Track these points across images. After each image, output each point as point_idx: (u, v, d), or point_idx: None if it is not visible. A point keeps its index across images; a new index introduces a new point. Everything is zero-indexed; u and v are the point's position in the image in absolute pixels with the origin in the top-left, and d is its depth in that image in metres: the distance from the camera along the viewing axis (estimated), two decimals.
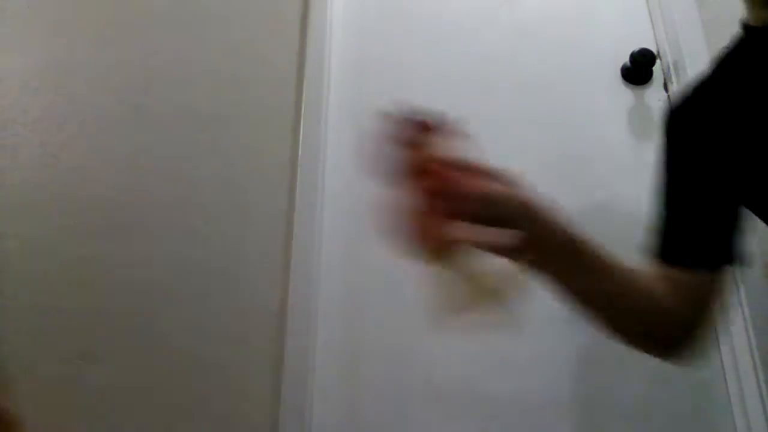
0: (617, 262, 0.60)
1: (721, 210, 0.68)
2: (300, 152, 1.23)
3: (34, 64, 1.28)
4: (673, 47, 1.32)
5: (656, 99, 1.31)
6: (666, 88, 1.32)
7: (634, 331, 0.65)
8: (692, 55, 1.27)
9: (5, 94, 1.24)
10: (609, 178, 1.25)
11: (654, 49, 1.32)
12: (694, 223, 0.67)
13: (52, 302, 1.10)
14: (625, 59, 1.32)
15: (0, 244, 1.12)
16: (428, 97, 1.33)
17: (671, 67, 1.31)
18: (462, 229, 0.47)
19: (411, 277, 1.24)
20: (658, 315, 0.63)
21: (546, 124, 1.30)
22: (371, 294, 1.16)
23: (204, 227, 1.17)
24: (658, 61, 1.32)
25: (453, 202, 0.48)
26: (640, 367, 1.12)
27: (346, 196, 1.25)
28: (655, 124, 1.30)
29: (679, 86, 1.28)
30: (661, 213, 0.71)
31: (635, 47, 1.29)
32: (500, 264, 0.45)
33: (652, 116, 1.30)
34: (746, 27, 0.69)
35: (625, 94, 1.32)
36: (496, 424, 1.08)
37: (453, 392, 1.09)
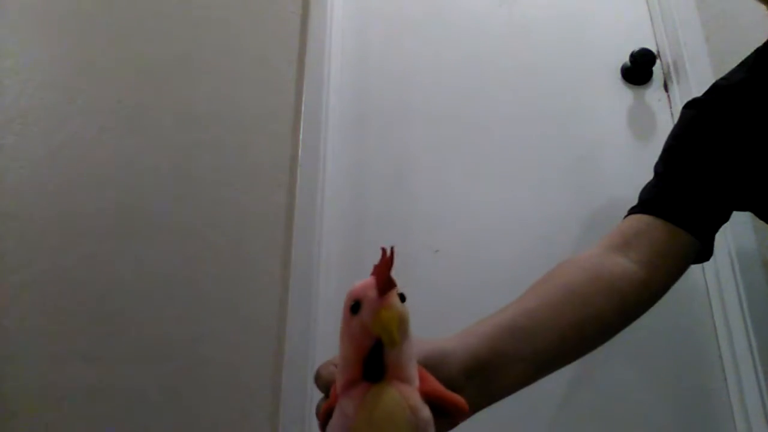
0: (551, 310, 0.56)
1: (724, 203, 0.71)
2: (300, 152, 1.23)
3: (34, 64, 1.28)
4: (673, 47, 1.32)
5: (656, 99, 1.31)
6: (666, 88, 1.32)
7: (625, 321, 0.65)
8: (692, 55, 1.27)
9: (5, 94, 1.24)
10: (609, 178, 1.25)
11: (654, 49, 1.32)
12: (698, 194, 0.69)
13: (52, 302, 1.10)
14: (625, 59, 1.32)
15: (0, 244, 1.12)
16: (427, 97, 1.33)
17: (671, 67, 1.31)
18: None
19: (410, 277, 1.24)
20: (633, 293, 0.63)
21: (546, 123, 1.30)
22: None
23: (204, 227, 1.17)
24: (658, 61, 1.32)
25: None
26: (640, 367, 1.12)
27: (346, 195, 1.25)
28: (655, 124, 1.30)
29: (679, 86, 1.28)
30: (665, 171, 0.74)
31: (635, 47, 1.30)
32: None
33: (652, 116, 1.30)
34: None
35: (625, 94, 1.32)
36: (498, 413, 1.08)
37: None
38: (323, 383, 0.42)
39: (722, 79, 0.77)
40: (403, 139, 1.29)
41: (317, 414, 0.42)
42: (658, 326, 1.14)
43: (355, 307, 0.37)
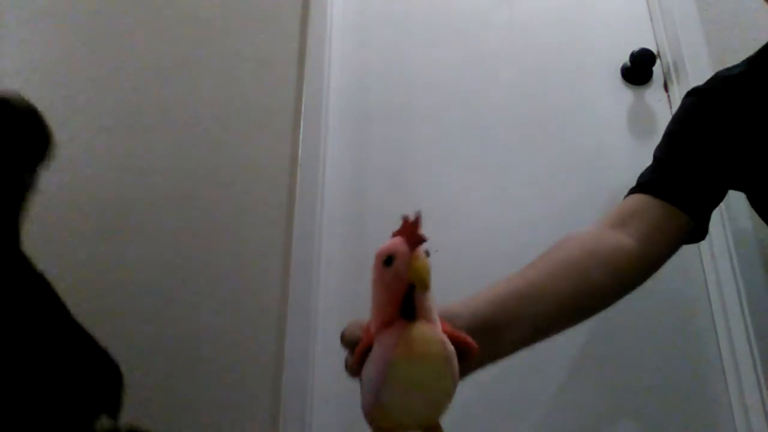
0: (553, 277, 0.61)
1: (719, 185, 0.75)
2: (300, 152, 1.23)
3: (34, 64, 1.28)
4: (673, 47, 1.32)
5: (656, 99, 1.31)
6: (666, 88, 1.32)
7: (620, 293, 0.68)
8: (692, 55, 1.27)
9: None
10: (609, 178, 1.25)
11: (654, 49, 1.32)
12: (694, 175, 0.73)
13: None
14: (625, 59, 1.32)
15: None
16: (427, 97, 1.33)
17: (671, 67, 1.31)
18: None
19: None
20: (628, 266, 0.66)
21: (546, 124, 1.30)
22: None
23: (204, 227, 1.17)
24: (658, 61, 1.32)
25: None
26: (639, 367, 1.12)
27: (346, 195, 1.25)
28: (655, 124, 1.30)
29: (679, 86, 1.28)
30: (663, 154, 0.78)
31: (635, 47, 1.29)
32: None
33: (652, 116, 1.30)
34: None
35: (625, 94, 1.32)
36: (495, 410, 1.08)
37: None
38: (348, 341, 0.48)
39: (724, 69, 0.80)
40: (403, 138, 1.29)
41: (347, 365, 0.48)
42: (658, 326, 1.14)
43: (388, 260, 0.43)
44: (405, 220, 0.43)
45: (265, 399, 1.06)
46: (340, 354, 0.49)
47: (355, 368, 0.46)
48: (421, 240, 0.42)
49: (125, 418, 1.05)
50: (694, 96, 0.79)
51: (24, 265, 0.66)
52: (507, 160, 1.27)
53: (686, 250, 1.17)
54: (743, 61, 0.79)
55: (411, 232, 0.43)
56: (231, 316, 1.11)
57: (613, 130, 1.30)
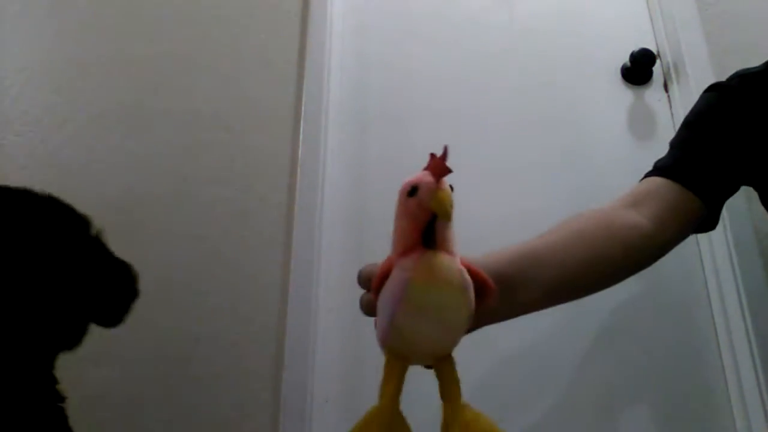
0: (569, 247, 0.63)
1: (734, 176, 0.77)
2: (300, 152, 1.23)
3: (34, 64, 1.28)
4: (673, 47, 1.32)
5: (656, 99, 1.31)
6: (666, 88, 1.32)
7: (630, 271, 0.69)
8: (692, 55, 1.27)
9: (5, 94, 1.24)
10: (609, 178, 1.25)
11: (654, 49, 1.32)
12: (711, 163, 0.74)
13: None
14: (625, 59, 1.32)
15: None
16: (427, 97, 1.33)
17: (671, 67, 1.31)
18: None
19: None
20: (639, 243, 0.67)
21: (546, 124, 1.30)
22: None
23: (204, 227, 1.17)
24: (658, 61, 1.32)
25: None
26: (639, 367, 1.12)
27: (346, 195, 1.25)
28: (655, 124, 1.30)
29: (679, 86, 1.28)
30: (681, 141, 0.79)
31: (635, 47, 1.29)
32: None
33: (652, 116, 1.30)
34: None
35: (625, 94, 1.32)
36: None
37: None
38: (365, 278, 0.49)
39: (744, 69, 0.81)
40: (403, 138, 1.29)
41: (362, 302, 0.49)
42: (658, 325, 1.14)
43: (412, 191, 0.44)
44: (432, 155, 0.44)
45: (265, 399, 1.06)
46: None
47: (372, 299, 0.46)
48: (447, 171, 0.43)
49: (125, 419, 1.05)
50: (714, 91, 0.81)
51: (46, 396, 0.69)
52: (506, 160, 1.27)
53: (686, 250, 1.18)
54: (763, 63, 0.80)
55: (437, 164, 0.43)
56: (231, 316, 1.11)
57: (613, 130, 1.30)
